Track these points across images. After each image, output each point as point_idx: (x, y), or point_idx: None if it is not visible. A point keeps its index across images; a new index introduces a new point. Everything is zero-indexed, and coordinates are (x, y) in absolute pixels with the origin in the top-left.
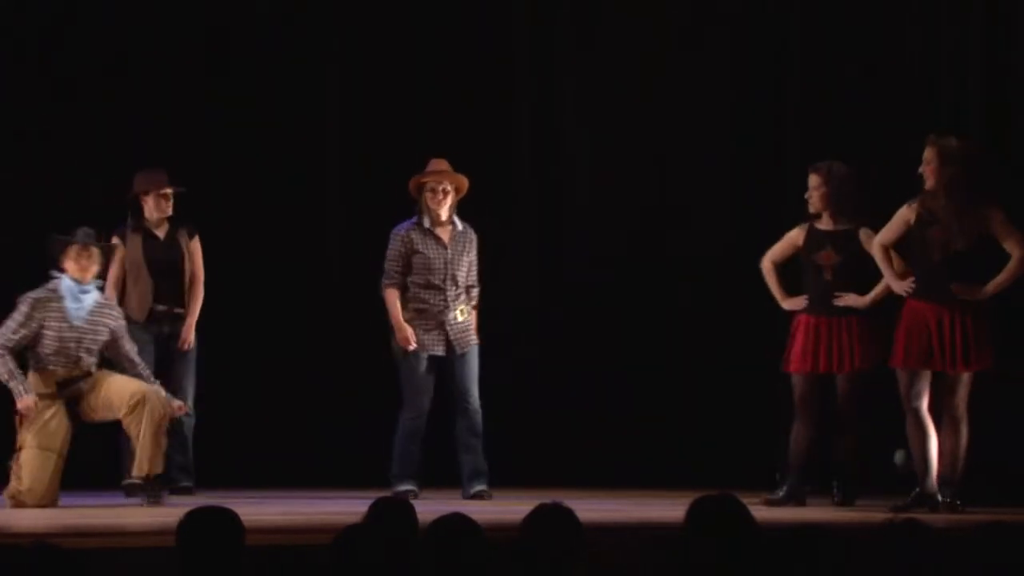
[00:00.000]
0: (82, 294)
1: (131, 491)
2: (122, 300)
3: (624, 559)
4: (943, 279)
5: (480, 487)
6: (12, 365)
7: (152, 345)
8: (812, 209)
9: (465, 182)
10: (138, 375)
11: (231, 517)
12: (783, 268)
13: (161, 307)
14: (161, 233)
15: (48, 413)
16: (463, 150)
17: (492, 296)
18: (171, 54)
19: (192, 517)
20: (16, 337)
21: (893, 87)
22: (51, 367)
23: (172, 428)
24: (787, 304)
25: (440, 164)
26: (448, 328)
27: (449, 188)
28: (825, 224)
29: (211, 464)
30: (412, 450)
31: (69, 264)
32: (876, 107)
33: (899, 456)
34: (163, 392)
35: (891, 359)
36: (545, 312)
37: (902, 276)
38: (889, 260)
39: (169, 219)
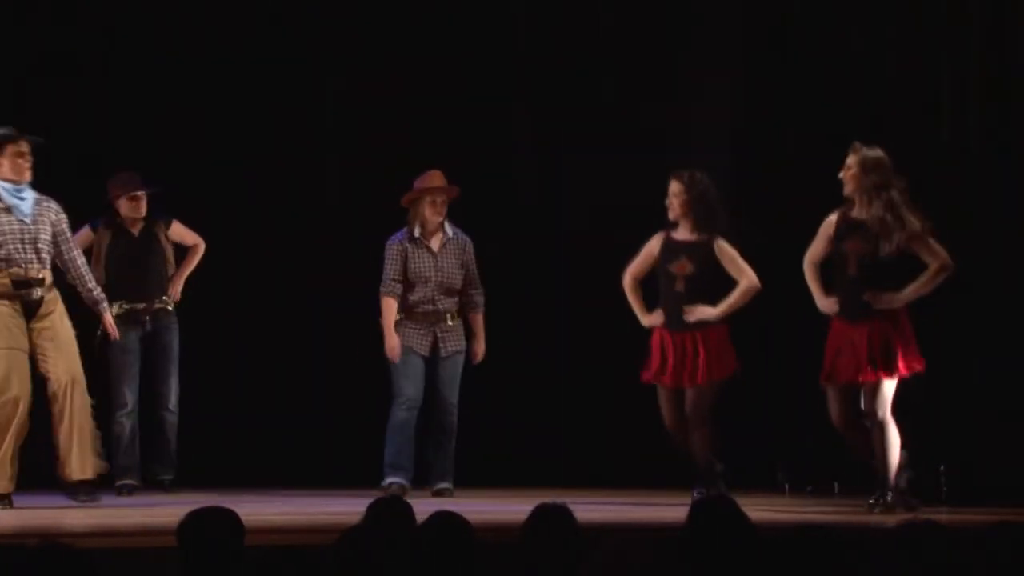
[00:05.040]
0: (19, 194)
1: (72, 492)
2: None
3: (624, 559)
4: (859, 295)
5: (444, 485)
6: None
7: (138, 344)
8: (671, 216)
9: (457, 191)
10: (81, 277)
11: (232, 517)
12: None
13: (140, 305)
14: (136, 230)
15: (9, 317)
16: (461, 150)
17: (494, 297)
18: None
19: (193, 517)
20: None
21: (892, 87)
22: (2, 270)
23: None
24: (647, 321)
25: (438, 177)
26: (437, 330)
27: (445, 198)
28: (682, 234)
29: (211, 464)
30: (403, 443)
31: (3, 164)
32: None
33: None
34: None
35: (820, 376)
36: (545, 312)
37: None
38: (818, 278)
39: (144, 218)
